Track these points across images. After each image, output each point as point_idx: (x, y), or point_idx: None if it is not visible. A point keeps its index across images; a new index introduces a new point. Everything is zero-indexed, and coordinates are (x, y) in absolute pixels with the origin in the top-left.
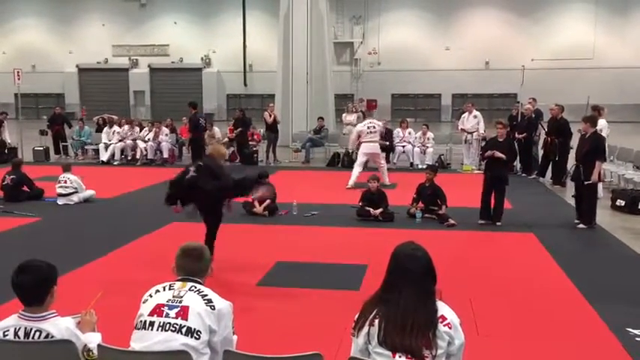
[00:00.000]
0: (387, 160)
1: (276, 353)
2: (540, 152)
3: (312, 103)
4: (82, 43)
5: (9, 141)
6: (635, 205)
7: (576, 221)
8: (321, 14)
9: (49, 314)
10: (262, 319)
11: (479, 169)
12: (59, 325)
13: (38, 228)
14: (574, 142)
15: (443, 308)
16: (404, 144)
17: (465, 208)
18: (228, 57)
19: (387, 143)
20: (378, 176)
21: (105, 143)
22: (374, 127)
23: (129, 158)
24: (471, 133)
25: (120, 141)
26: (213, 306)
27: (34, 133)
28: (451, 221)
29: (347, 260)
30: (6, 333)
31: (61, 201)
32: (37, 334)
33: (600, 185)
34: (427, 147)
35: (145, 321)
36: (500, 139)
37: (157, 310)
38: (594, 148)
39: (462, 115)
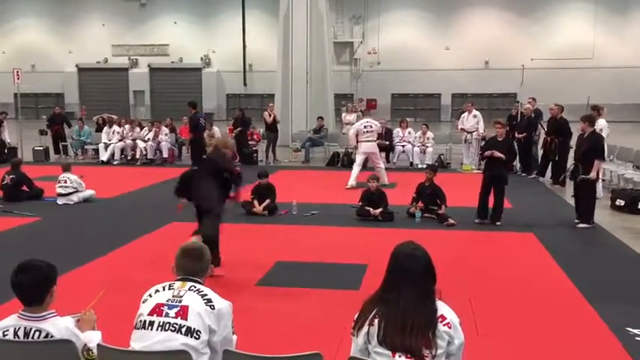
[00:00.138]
0: (387, 160)
1: (276, 353)
2: (540, 152)
3: (311, 102)
4: (81, 42)
5: (8, 141)
6: (634, 204)
7: (576, 221)
8: (320, 14)
9: (48, 314)
10: (262, 318)
11: (478, 169)
12: (59, 325)
13: (38, 228)
14: (573, 141)
15: (442, 308)
16: (404, 144)
17: (464, 208)
18: (227, 57)
19: (387, 143)
20: (378, 176)
21: (105, 143)
22: (370, 127)
23: (129, 158)
24: (471, 132)
25: (120, 141)
26: (213, 306)
27: (34, 133)
28: (451, 221)
29: (347, 260)
30: (5, 333)
31: (60, 201)
32: (37, 333)
33: (600, 185)
34: (427, 147)
35: (145, 321)
36: (500, 139)
37: (157, 310)
38: (593, 148)
39: (462, 115)
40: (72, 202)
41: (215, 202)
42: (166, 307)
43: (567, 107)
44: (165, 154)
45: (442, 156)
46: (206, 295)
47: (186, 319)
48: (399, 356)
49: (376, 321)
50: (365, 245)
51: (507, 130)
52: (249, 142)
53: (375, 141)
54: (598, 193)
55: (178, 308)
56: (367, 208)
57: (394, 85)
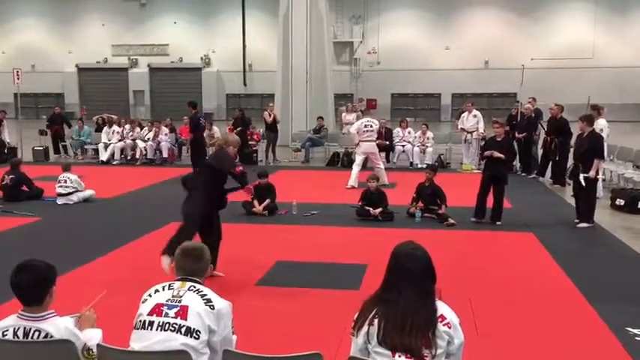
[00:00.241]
0: (387, 160)
1: (276, 353)
2: (540, 152)
3: (311, 102)
4: (81, 42)
5: (8, 140)
6: (634, 204)
7: (576, 220)
8: (320, 14)
9: (48, 314)
10: (262, 318)
11: (478, 169)
12: (58, 325)
13: (38, 228)
14: (573, 141)
15: (442, 308)
16: (403, 143)
17: (464, 208)
18: (227, 57)
19: (387, 143)
20: (378, 176)
21: (104, 143)
22: (370, 126)
23: (128, 158)
24: (471, 132)
25: (119, 141)
26: (213, 306)
27: (34, 133)
28: (451, 221)
29: (347, 260)
30: (5, 333)
31: (60, 201)
32: (37, 333)
33: (600, 184)
34: (427, 146)
35: (145, 321)
36: (499, 139)
37: (157, 310)
38: (593, 147)
39: (462, 115)
40: (72, 202)
41: (193, 207)
42: (166, 307)
43: (567, 107)
44: (165, 154)
45: (442, 156)
46: (206, 295)
47: (185, 319)
48: (399, 356)
49: (376, 321)
50: (365, 245)
51: (507, 130)
52: (249, 142)
53: (375, 141)
54: (598, 193)
55: (178, 308)
56: (367, 208)
57: (394, 84)
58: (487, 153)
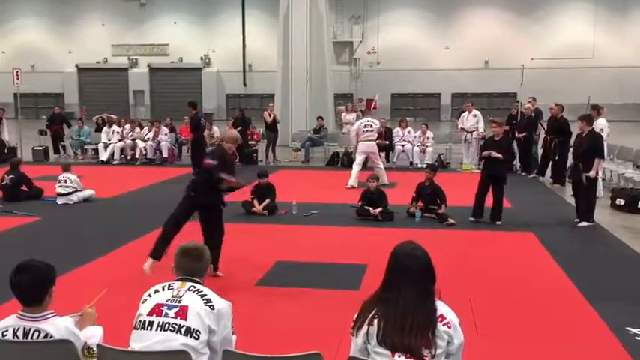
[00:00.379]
0: (387, 160)
1: (276, 353)
2: (540, 152)
3: (311, 102)
4: (81, 42)
5: (7, 139)
6: (634, 204)
7: (576, 220)
8: (320, 14)
9: (47, 314)
10: (262, 318)
11: (478, 169)
12: (58, 325)
13: (38, 228)
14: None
15: (442, 307)
16: (403, 143)
17: (464, 208)
18: (227, 57)
19: (387, 143)
20: (378, 176)
21: (104, 143)
22: (370, 126)
23: (128, 158)
24: (471, 132)
25: (119, 141)
26: (213, 306)
27: (34, 133)
28: (451, 221)
29: (347, 260)
30: (5, 333)
31: (60, 201)
32: (36, 334)
33: (600, 184)
34: (427, 146)
35: (144, 321)
36: (497, 138)
37: (156, 310)
38: (592, 147)
39: (462, 115)
40: (71, 202)
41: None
42: (166, 307)
43: (567, 107)
44: (165, 154)
45: (442, 156)
46: (205, 295)
47: (185, 319)
48: (399, 356)
49: (376, 321)
50: (365, 245)
51: (506, 130)
52: (249, 142)
53: (375, 141)
54: (598, 193)
55: (178, 308)
56: (367, 207)
57: (394, 84)
58: (485, 153)
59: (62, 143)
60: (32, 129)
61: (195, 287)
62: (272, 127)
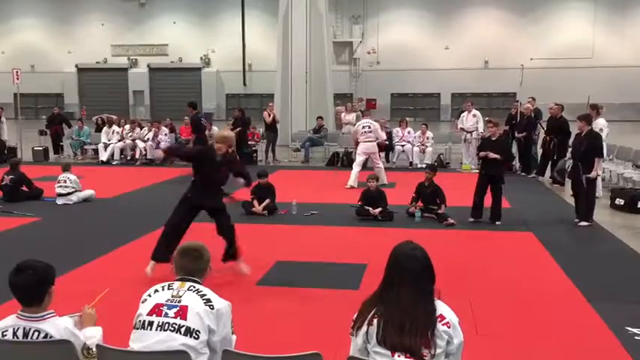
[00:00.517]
0: (387, 160)
1: (276, 353)
2: (539, 152)
3: (311, 102)
4: (81, 42)
5: (5, 137)
6: (634, 203)
7: (576, 220)
8: (320, 14)
9: (47, 314)
10: (262, 318)
11: (477, 169)
12: (58, 325)
13: (38, 228)
14: (571, 141)
15: (442, 307)
16: (403, 143)
17: (464, 208)
18: (227, 57)
19: (387, 142)
20: (378, 176)
21: (104, 143)
22: (369, 127)
23: (128, 158)
24: (470, 132)
25: (119, 141)
26: (212, 306)
27: (34, 133)
28: (450, 220)
29: (346, 259)
30: (5, 333)
31: (60, 201)
32: (36, 334)
33: (599, 184)
34: (426, 146)
35: (144, 321)
36: (494, 138)
37: (156, 310)
38: (592, 146)
39: (461, 115)
40: (71, 202)
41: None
42: (165, 307)
43: (567, 107)
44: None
45: (442, 155)
46: (205, 295)
47: (185, 319)
48: (398, 356)
49: (375, 321)
50: (364, 245)
51: (506, 130)
52: (249, 142)
53: (375, 141)
54: (598, 192)
55: (177, 308)
56: (367, 207)
57: (393, 84)
58: (482, 154)
59: (60, 143)
60: (32, 129)
61: (194, 287)
62: (272, 127)
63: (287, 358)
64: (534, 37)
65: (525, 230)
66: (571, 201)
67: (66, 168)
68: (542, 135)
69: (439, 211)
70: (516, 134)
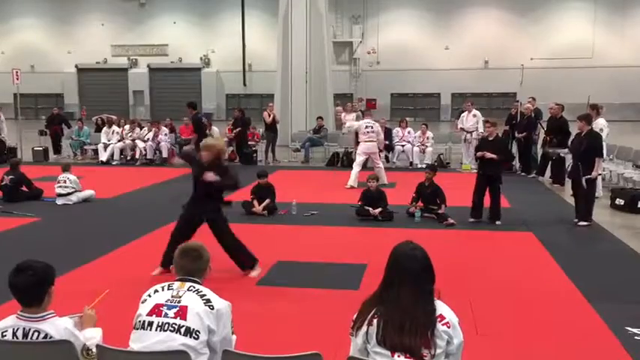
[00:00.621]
0: (387, 160)
1: (276, 353)
2: (539, 151)
3: (311, 102)
4: (81, 43)
5: (4, 135)
6: (634, 203)
7: (575, 220)
8: (320, 14)
9: (47, 314)
10: (261, 318)
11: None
12: (58, 326)
13: (37, 228)
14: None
15: (441, 307)
16: (403, 143)
17: (464, 208)
18: (227, 57)
19: (387, 142)
20: (378, 176)
21: (104, 143)
22: (372, 127)
23: (128, 158)
24: (471, 132)
25: (119, 141)
26: (212, 306)
27: (34, 134)
28: (450, 220)
29: (346, 259)
30: (4, 333)
31: (60, 201)
32: (36, 334)
33: (599, 184)
34: (426, 146)
35: (144, 321)
36: (491, 138)
37: (156, 310)
38: (592, 146)
39: (462, 115)
40: (71, 202)
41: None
42: (165, 308)
43: (567, 107)
44: (164, 154)
45: (442, 155)
46: (205, 295)
47: (185, 320)
48: (398, 356)
49: (375, 321)
50: (364, 245)
51: (506, 130)
52: (249, 142)
53: (375, 141)
54: (598, 192)
55: (177, 308)
56: (367, 207)
57: (393, 84)
58: (479, 154)
59: (59, 143)
60: (32, 129)
61: (194, 287)
62: (272, 127)
63: (287, 358)
64: (534, 37)
65: (525, 230)
66: (571, 201)
67: (66, 168)
68: (542, 135)
69: (439, 211)
70: (516, 134)
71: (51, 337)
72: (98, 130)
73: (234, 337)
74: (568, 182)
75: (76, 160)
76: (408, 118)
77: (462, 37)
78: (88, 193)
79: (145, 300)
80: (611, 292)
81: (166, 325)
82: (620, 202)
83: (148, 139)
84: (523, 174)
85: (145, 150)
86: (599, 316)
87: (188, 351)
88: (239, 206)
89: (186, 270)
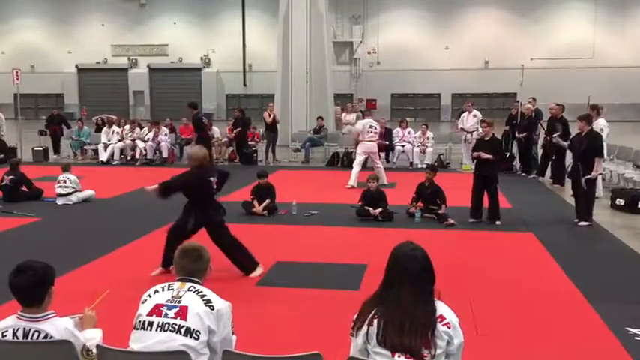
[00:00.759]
0: (387, 160)
1: (276, 353)
2: (540, 152)
3: (311, 102)
4: (81, 43)
5: (3, 133)
6: (634, 204)
7: (576, 220)
8: (320, 14)
9: (47, 314)
10: (262, 319)
11: None
12: (58, 326)
13: (38, 228)
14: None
15: (442, 308)
16: (403, 144)
17: (464, 208)
18: (227, 57)
19: (387, 143)
20: (378, 176)
21: (104, 143)
22: (375, 127)
23: (128, 158)
24: (471, 132)
25: (119, 141)
26: (212, 306)
27: (34, 134)
28: (450, 221)
29: (346, 260)
30: (5, 333)
31: (60, 201)
32: (36, 334)
33: (600, 184)
34: (427, 147)
35: (144, 321)
36: (487, 138)
37: (156, 310)
38: (592, 146)
39: (462, 115)
40: (71, 203)
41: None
42: (165, 308)
43: (567, 107)
44: (164, 155)
45: (442, 156)
46: (205, 295)
47: (185, 320)
48: (399, 356)
49: (375, 321)
50: (365, 245)
51: (506, 130)
52: (249, 143)
53: (376, 141)
54: (598, 193)
55: (177, 309)
56: (367, 208)
57: (394, 85)
58: (475, 154)
59: (59, 144)
60: (32, 129)
61: (195, 288)
62: (272, 128)
63: (287, 358)
64: (534, 37)
65: (525, 230)
66: (571, 201)
67: (66, 168)
68: (542, 135)
69: (439, 212)
70: (517, 135)
71: (51, 337)
72: (98, 130)
73: (234, 337)
74: (568, 182)
75: (76, 160)
76: (408, 119)
77: (462, 38)
78: (88, 193)
79: (145, 300)
80: (611, 292)
81: (166, 325)
82: (620, 202)
83: (148, 139)
84: (523, 174)
85: (145, 150)
86: (599, 316)
87: (188, 351)
88: (239, 207)
89: (187, 270)
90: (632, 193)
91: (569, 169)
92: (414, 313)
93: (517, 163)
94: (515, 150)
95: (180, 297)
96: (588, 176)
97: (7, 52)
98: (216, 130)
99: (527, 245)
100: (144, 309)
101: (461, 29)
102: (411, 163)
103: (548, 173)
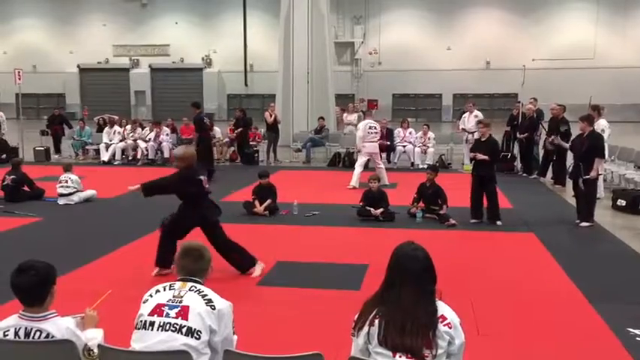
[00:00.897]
0: (388, 160)
1: (277, 353)
2: (541, 152)
3: (312, 103)
4: (82, 43)
5: (3, 132)
6: (636, 204)
7: (577, 220)
8: (321, 14)
9: (49, 314)
10: (262, 319)
11: None
12: (60, 325)
13: (39, 228)
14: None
15: (443, 308)
16: (405, 144)
17: (465, 208)
18: (228, 57)
19: (388, 143)
20: (379, 176)
21: (106, 143)
22: (375, 128)
23: (130, 158)
24: (472, 133)
25: (121, 141)
26: (214, 306)
27: (35, 134)
28: (452, 221)
29: (347, 260)
30: (6, 333)
31: (61, 201)
32: (38, 334)
33: (601, 184)
34: (428, 147)
35: (145, 321)
36: (483, 139)
37: (158, 310)
38: (593, 146)
39: (463, 115)
40: (73, 202)
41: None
42: (167, 308)
43: (568, 108)
44: (166, 154)
45: (443, 156)
46: (207, 295)
47: (186, 320)
48: (400, 356)
49: (376, 321)
50: (366, 245)
51: (507, 130)
52: (250, 143)
53: (377, 141)
54: (599, 193)
55: (179, 308)
56: (368, 208)
57: (395, 85)
58: (471, 155)
59: (60, 143)
60: (34, 129)
61: (196, 287)
62: (273, 128)
63: (288, 358)
64: (536, 37)
65: (527, 231)
66: (572, 202)
67: (67, 168)
68: (543, 136)
69: (440, 212)
70: (518, 135)
71: (53, 337)
72: (100, 130)
73: (235, 337)
74: (569, 183)
75: (78, 160)
76: (409, 119)
77: (464, 38)
78: (90, 193)
79: (147, 300)
80: (612, 292)
81: (168, 325)
82: (621, 203)
83: (150, 139)
84: (525, 175)
85: (147, 150)
86: (600, 316)
87: (189, 351)
88: (240, 207)
89: (188, 270)
90: (634, 194)
91: (570, 169)
92: (415, 313)
93: (518, 164)
94: (516, 150)
95: (182, 297)
96: (587, 176)
97: (9, 52)
98: (217, 130)
99: (529, 246)
100: (145, 309)
101: (462, 30)
102: (412, 164)
103: (549, 174)
